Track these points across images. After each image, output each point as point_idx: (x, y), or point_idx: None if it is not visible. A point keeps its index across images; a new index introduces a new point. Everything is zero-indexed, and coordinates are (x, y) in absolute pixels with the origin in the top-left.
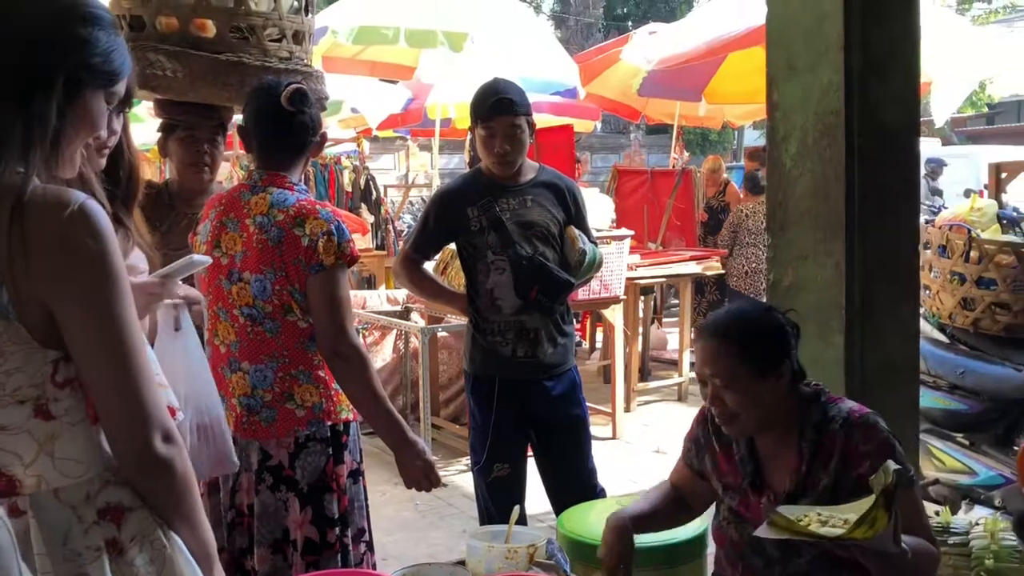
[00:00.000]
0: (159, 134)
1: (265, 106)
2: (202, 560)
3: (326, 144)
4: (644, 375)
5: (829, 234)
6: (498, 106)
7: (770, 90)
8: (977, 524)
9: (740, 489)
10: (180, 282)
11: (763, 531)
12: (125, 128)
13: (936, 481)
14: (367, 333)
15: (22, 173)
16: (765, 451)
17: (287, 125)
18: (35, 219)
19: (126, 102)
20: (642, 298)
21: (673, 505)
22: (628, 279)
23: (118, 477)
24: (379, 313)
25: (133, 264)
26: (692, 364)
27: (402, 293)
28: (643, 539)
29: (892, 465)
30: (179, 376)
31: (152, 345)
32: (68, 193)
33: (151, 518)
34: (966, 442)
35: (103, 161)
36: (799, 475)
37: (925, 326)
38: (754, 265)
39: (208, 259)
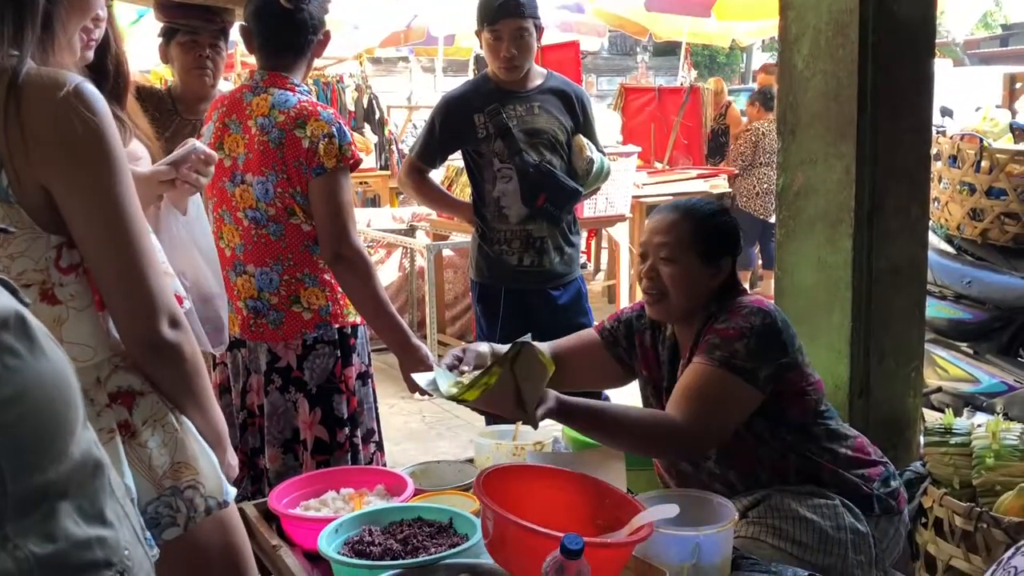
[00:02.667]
0: (160, 39)
1: (265, 3)
2: (215, 444)
3: (328, 44)
4: None
5: (839, 136)
6: (504, 8)
7: None
8: (980, 426)
9: (658, 392)
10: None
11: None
12: (111, 21)
13: (939, 389)
14: (372, 251)
15: (17, 56)
16: (685, 355)
17: (286, 23)
18: (30, 100)
19: None
20: (647, 219)
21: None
22: (634, 197)
23: (127, 362)
24: (384, 231)
25: (133, 151)
26: None
27: (407, 212)
28: None
29: (527, 339)
30: (187, 259)
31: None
32: (64, 75)
33: (162, 402)
34: (970, 351)
35: (90, 54)
36: (683, 368)
37: (932, 237)
38: (765, 186)
39: (213, 153)
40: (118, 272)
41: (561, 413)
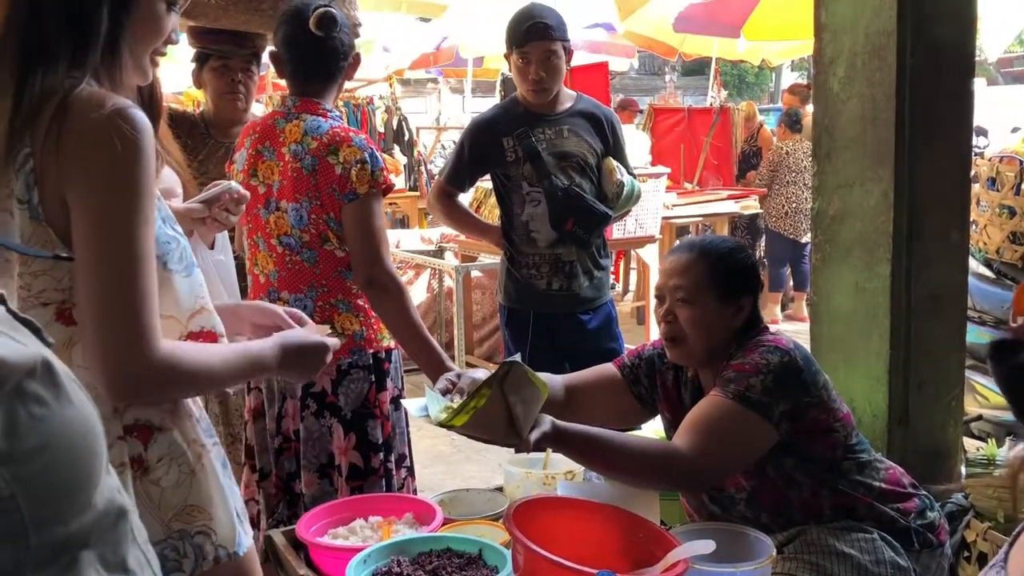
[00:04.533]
0: (193, 64)
1: (295, 31)
2: None
3: (358, 67)
4: None
5: (877, 160)
6: (533, 31)
7: (818, 11)
8: None
9: None
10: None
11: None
12: None
13: (980, 417)
14: (401, 272)
15: (75, 78)
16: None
17: (317, 50)
18: (72, 117)
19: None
20: (677, 240)
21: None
22: (664, 218)
23: None
24: (413, 252)
25: (170, 188)
26: None
27: (436, 233)
28: None
29: (517, 358)
30: (210, 292)
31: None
32: (111, 96)
33: (181, 440)
34: None
35: None
36: None
37: (971, 261)
38: (794, 205)
39: (246, 193)
40: (102, 295)
41: (557, 438)
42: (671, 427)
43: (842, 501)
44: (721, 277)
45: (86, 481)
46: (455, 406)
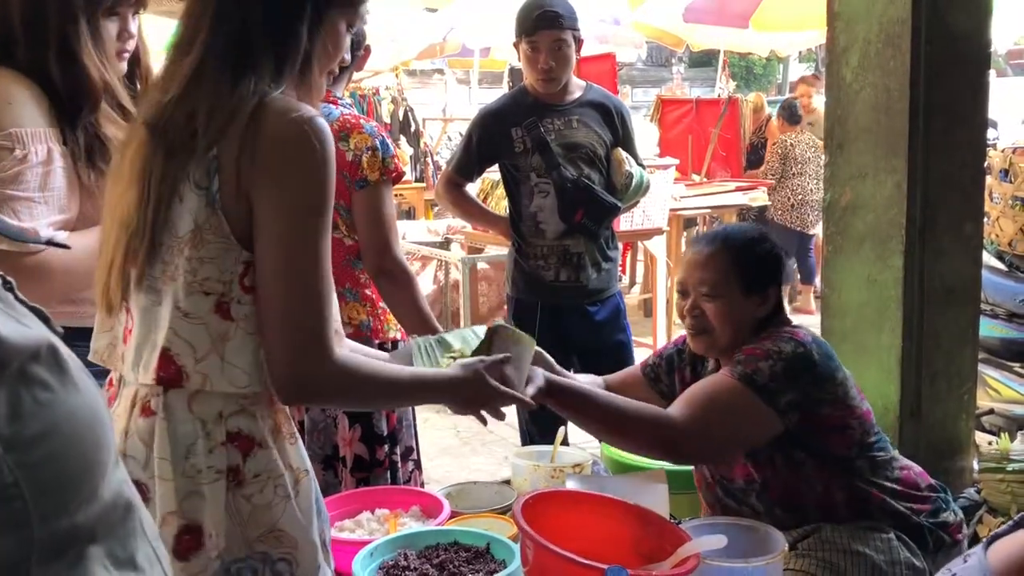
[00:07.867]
0: None
1: None
2: None
3: (368, 59)
4: None
5: (890, 151)
6: (543, 19)
7: None
8: None
9: None
10: None
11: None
12: (139, 35)
13: (991, 411)
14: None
15: (272, 88)
16: None
17: None
18: (271, 115)
19: (142, 3)
20: (685, 232)
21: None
22: (671, 210)
23: (258, 408)
24: (419, 243)
25: None
26: None
27: (442, 224)
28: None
29: (499, 322)
30: None
31: None
32: (301, 105)
33: (280, 462)
34: (1023, 371)
35: (124, 66)
36: None
37: (983, 253)
38: (800, 197)
39: None
40: (285, 298)
41: (550, 392)
42: None
43: (857, 496)
44: (746, 269)
45: (92, 470)
46: (445, 368)
